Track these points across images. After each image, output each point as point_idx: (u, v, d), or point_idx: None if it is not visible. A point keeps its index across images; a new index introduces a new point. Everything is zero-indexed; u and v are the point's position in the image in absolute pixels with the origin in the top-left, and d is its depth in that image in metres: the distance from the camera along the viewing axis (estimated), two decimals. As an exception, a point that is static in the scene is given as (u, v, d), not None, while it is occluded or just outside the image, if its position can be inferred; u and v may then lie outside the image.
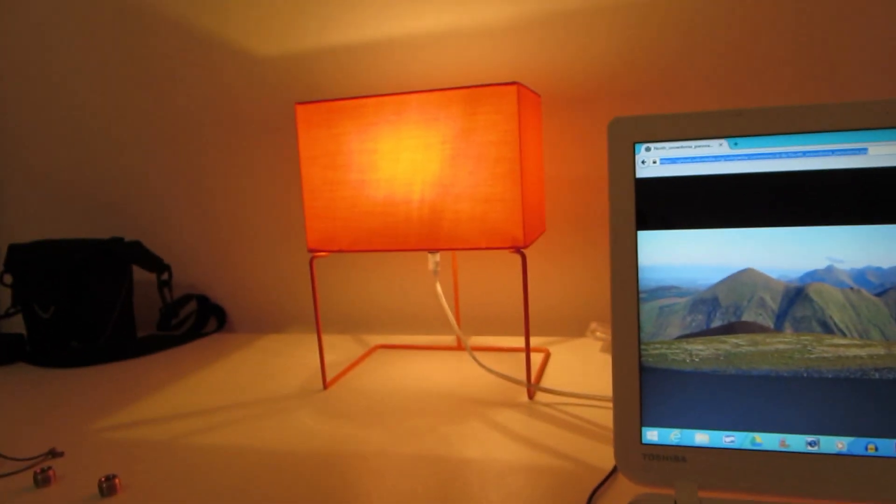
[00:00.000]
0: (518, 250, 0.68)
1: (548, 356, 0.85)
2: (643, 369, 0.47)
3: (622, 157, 0.48)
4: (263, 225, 1.09)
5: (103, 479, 0.55)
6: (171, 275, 1.10)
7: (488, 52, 0.92)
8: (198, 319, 1.14)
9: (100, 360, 1.00)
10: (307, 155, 0.74)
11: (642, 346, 0.47)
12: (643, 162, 0.47)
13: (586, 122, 0.90)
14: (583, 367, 0.80)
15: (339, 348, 0.97)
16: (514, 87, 0.66)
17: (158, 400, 0.79)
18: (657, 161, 0.47)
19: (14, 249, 1.09)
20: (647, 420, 0.47)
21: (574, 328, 0.95)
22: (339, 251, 0.74)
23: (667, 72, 0.86)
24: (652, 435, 0.47)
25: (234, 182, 1.10)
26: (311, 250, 0.75)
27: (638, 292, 0.47)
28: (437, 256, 0.80)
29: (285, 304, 1.10)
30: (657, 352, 0.47)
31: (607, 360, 0.82)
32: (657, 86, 0.87)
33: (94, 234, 1.21)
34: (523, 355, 0.87)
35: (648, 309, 0.47)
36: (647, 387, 0.47)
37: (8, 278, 1.27)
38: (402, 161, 0.71)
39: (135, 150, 1.15)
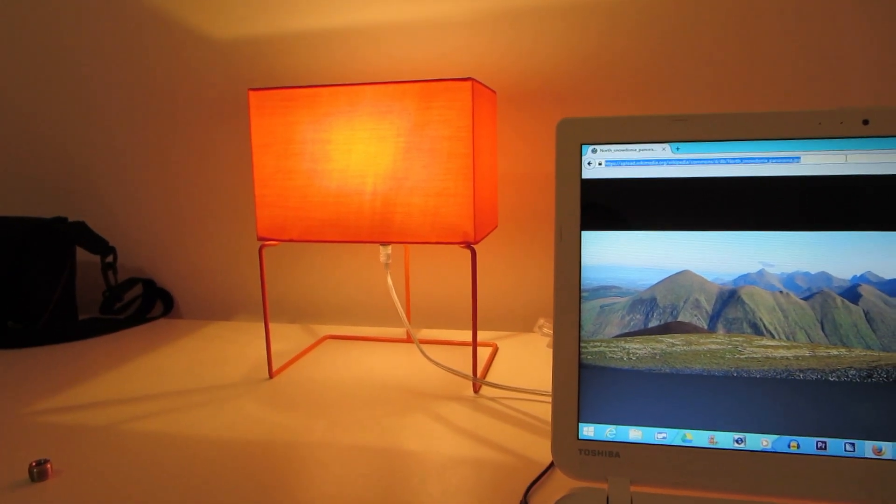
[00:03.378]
0: (468, 246, 0.69)
1: (496, 350, 0.86)
2: (582, 366, 0.48)
3: (569, 158, 0.49)
4: (214, 210, 1.07)
5: (34, 464, 0.54)
6: (115, 257, 1.08)
7: (447, 45, 0.92)
8: (143, 304, 1.11)
9: (37, 342, 0.97)
10: (259, 142, 0.73)
11: (582, 344, 0.48)
12: (589, 163, 0.48)
13: (540, 119, 0.91)
14: (529, 362, 0.82)
15: (288, 338, 0.96)
16: (468, 83, 0.66)
17: (97, 384, 0.77)
18: (602, 163, 0.48)
19: (-51, 226, 1.05)
20: (584, 416, 0.48)
21: (523, 324, 0.96)
22: (290, 241, 0.73)
23: (618, 73, 0.88)
24: (588, 431, 0.48)
25: (185, 166, 1.07)
26: (260, 239, 0.74)
27: (580, 291, 0.48)
28: (389, 249, 0.80)
29: (234, 291, 1.09)
30: (596, 350, 0.48)
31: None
32: (608, 87, 0.88)
33: (36, 213, 1.17)
34: (470, 349, 0.88)
35: (589, 308, 0.48)
36: (585, 384, 0.48)
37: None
38: (356, 152, 0.70)
39: (82, 128, 1.12)
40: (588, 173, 0.48)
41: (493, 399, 0.70)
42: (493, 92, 0.82)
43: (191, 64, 1.04)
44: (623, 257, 0.47)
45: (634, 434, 0.47)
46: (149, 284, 1.12)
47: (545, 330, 0.85)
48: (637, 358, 0.47)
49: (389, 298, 1.01)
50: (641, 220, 0.47)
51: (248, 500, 0.50)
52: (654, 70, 0.87)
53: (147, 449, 0.60)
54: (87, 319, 1.06)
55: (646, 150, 0.48)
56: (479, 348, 0.88)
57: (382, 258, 0.80)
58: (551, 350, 0.84)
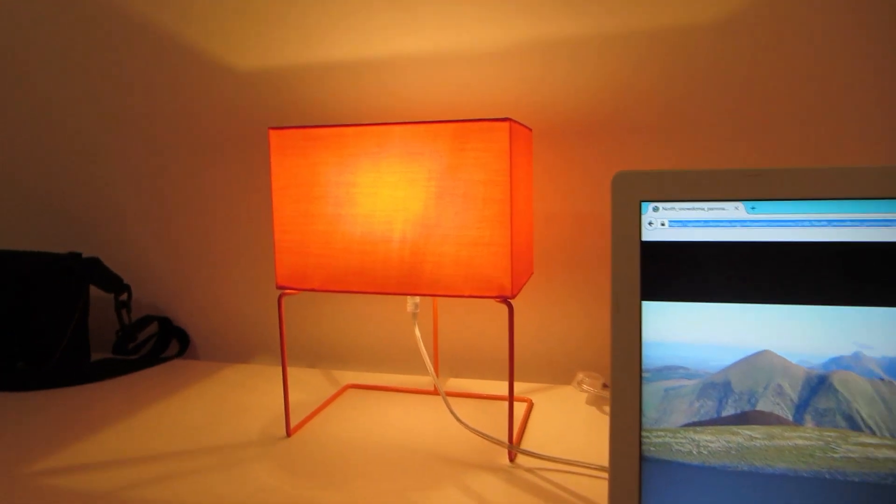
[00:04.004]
0: (505, 300, 0.63)
1: (531, 407, 0.80)
2: (643, 459, 0.42)
3: (627, 217, 0.43)
4: (233, 249, 1.03)
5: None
6: (130, 296, 1.03)
7: (478, 78, 0.87)
8: (158, 342, 1.07)
9: (47, 384, 0.92)
10: (280, 184, 0.68)
11: (643, 433, 0.42)
12: (650, 223, 0.42)
13: (578, 156, 0.85)
14: (568, 422, 0.75)
15: (308, 385, 0.91)
16: (506, 124, 0.61)
17: (104, 439, 0.72)
18: (665, 223, 0.42)
19: (-38, 260, 1.02)
20: (645, 515, 0.42)
21: (559, 375, 0.89)
22: (311, 290, 0.68)
23: (668, 110, 0.82)
24: (650, 533, 0.41)
25: (205, 202, 1.03)
26: (279, 287, 0.69)
27: (641, 371, 0.42)
28: (417, 298, 0.75)
29: (252, 332, 1.04)
30: (660, 440, 0.41)
31: (593, 413, 0.77)
32: (657, 125, 0.82)
33: (51, 246, 1.14)
34: (505, 404, 0.81)
35: (652, 391, 0.41)
36: (647, 480, 0.41)
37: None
38: (383, 197, 0.65)
39: (102, 161, 1.08)
40: (649, 235, 0.42)
41: (531, 470, 0.64)
42: (529, 130, 0.76)
43: (212, 95, 1.00)
44: (691, 333, 0.41)
45: (705, 540, 0.41)
46: (164, 323, 1.07)
47: (584, 386, 0.79)
48: (709, 452, 0.40)
49: (414, 345, 0.95)
50: (712, 291, 0.41)
51: None
52: (703, 110, 0.81)
53: (150, 526, 0.54)
54: (99, 360, 1.02)
55: (716, 208, 0.42)
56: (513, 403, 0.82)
57: (410, 307, 0.75)
58: (591, 407, 0.77)
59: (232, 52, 0.98)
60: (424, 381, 0.92)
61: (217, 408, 0.82)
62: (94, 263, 1.03)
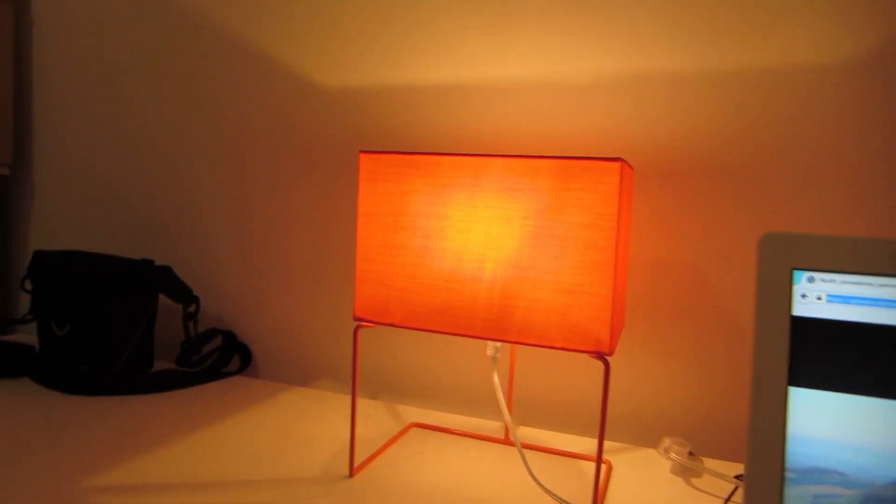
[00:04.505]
0: (601, 357, 0.57)
1: (610, 469, 0.74)
2: (780, 572, 0.35)
3: (775, 286, 0.37)
4: (309, 271, 1.00)
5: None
6: (198, 308, 1.02)
7: (573, 108, 0.83)
8: (220, 357, 1.05)
9: (109, 391, 0.91)
10: (366, 210, 0.65)
11: (782, 542, 0.35)
12: (803, 296, 0.37)
13: (681, 198, 0.79)
14: (652, 493, 0.68)
15: (370, 419, 0.87)
16: (617, 165, 0.56)
17: (161, 459, 0.69)
18: (823, 297, 0.36)
19: (39, 256, 1.03)
20: None
21: (641, 436, 0.83)
22: (390, 325, 0.64)
23: (785, 151, 0.75)
24: None
25: (285, 220, 1.01)
26: (357, 319, 0.65)
27: (784, 471, 0.36)
28: (499, 343, 0.70)
29: (316, 356, 1.00)
30: (802, 553, 0.35)
31: (679, 485, 0.70)
32: (774, 166, 0.76)
33: (124, 250, 1.14)
34: (581, 463, 0.75)
35: (797, 496, 0.35)
36: None
37: (28, 284, 1.21)
38: (475, 232, 0.61)
39: (181, 170, 1.08)
40: (802, 309, 0.36)
41: (615, 546, 0.58)
42: (632, 169, 0.71)
43: (301, 113, 0.98)
44: (849, 431, 0.35)
45: None
46: (228, 337, 1.06)
47: (672, 455, 0.72)
48: (864, 576, 0.34)
49: (485, 385, 0.90)
50: (878, 384, 0.35)
51: None
52: (820, 158, 0.74)
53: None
54: (162, 371, 1.00)
55: (888, 285, 0.36)
56: (587, 462, 0.76)
57: (490, 351, 0.70)
58: (676, 477, 0.70)
59: (323, 72, 0.96)
60: (492, 426, 0.87)
61: (278, 435, 0.79)
62: (166, 272, 1.02)
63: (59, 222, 1.19)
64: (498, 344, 0.70)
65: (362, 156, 0.65)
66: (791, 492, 0.35)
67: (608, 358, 0.63)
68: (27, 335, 1.20)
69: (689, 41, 0.77)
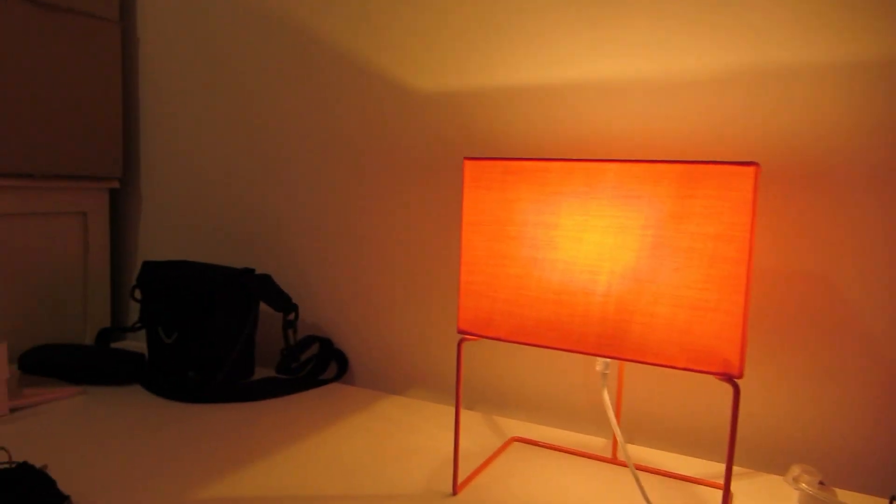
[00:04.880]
0: (730, 379, 0.53)
1: (731, 498, 0.68)
2: None
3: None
4: (408, 279, 0.99)
5: None
6: (297, 315, 1.03)
7: (692, 108, 0.77)
8: (318, 364, 1.05)
9: (213, 398, 0.93)
10: (471, 219, 0.62)
11: None
12: None
13: (813, 203, 0.73)
14: (780, 523, 0.63)
15: (468, 431, 0.84)
16: (751, 170, 0.51)
17: (263, 471, 0.69)
18: None
19: (148, 266, 1.06)
20: None
21: (765, 462, 0.76)
22: (496, 339, 0.61)
23: (929, 158, 0.68)
24: None
25: (385, 226, 1.01)
26: (461, 332, 0.63)
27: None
28: (608, 355, 0.66)
29: (413, 365, 0.99)
30: None
31: (811, 516, 0.64)
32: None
33: (227, 259, 1.17)
34: (697, 488, 0.70)
35: None
36: None
37: (138, 294, 1.26)
38: (588, 243, 0.57)
39: (282, 179, 1.10)
40: None
41: (746, 586, 0.53)
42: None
43: (399, 122, 0.98)
44: None
45: None
46: (326, 344, 1.06)
47: (801, 484, 0.66)
48: None
49: (588, 399, 0.86)
50: None
51: None
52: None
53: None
54: (262, 379, 1.02)
55: None
56: (702, 488, 0.70)
57: (599, 367, 0.66)
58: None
59: (424, 77, 0.95)
60: (596, 443, 0.82)
61: (376, 446, 0.78)
62: (266, 280, 1.03)
63: (166, 233, 1.24)
64: (608, 360, 0.66)
65: (467, 163, 0.63)
66: None
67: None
68: (137, 342, 1.25)
69: (822, 30, 0.71)
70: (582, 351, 0.58)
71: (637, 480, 0.63)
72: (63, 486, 0.64)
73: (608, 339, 0.57)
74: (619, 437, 0.66)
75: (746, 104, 0.75)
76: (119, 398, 0.91)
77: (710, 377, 0.78)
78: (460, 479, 0.69)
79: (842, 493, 0.70)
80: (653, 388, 0.82)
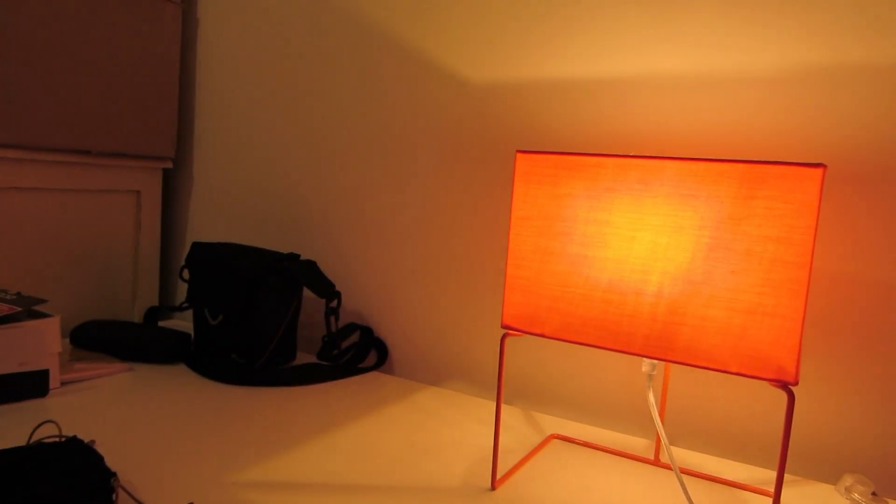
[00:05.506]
0: (785, 387, 0.51)
1: (778, 507, 0.66)
2: None
3: None
4: (452, 270, 0.99)
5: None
6: (339, 302, 1.04)
7: (754, 105, 0.75)
8: (358, 351, 1.06)
9: (255, 381, 0.94)
10: (520, 214, 0.61)
11: None
12: None
13: (875, 205, 0.70)
14: (829, 537, 0.61)
15: (507, 426, 0.84)
16: (818, 171, 0.49)
17: (300, 457, 0.70)
18: None
19: (197, 247, 1.08)
20: None
21: (816, 470, 0.74)
22: (541, 335, 0.60)
23: None
24: None
25: (431, 217, 1.00)
26: (505, 327, 0.62)
27: None
28: (655, 356, 0.65)
29: (453, 357, 0.99)
30: None
31: (863, 532, 0.62)
32: None
33: (274, 242, 1.18)
34: (744, 494, 0.68)
35: None
36: None
37: (186, 274, 1.28)
38: (641, 241, 0.56)
39: (332, 165, 1.10)
40: None
41: None
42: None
43: (450, 110, 0.97)
44: None
45: None
46: (366, 332, 1.07)
47: (854, 496, 0.63)
48: None
49: (630, 397, 0.85)
50: None
51: None
52: None
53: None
54: (303, 365, 1.03)
55: None
56: (750, 495, 0.69)
57: (646, 367, 0.65)
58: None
59: (476, 67, 0.94)
60: (637, 444, 0.81)
61: (415, 437, 0.78)
62: (310, 266, 1.04)
63: (215, 214, 1.25)
64: (655, 360, 0.65)
65: (519, 156, 0.62)
66: None
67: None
68: (184, 321, 1.28)
69: (891, 29, 0.68)
70: (629, 351, 0.56)
71: (680, 481, 0.62)
72: (109, 461, 0.65)
73: (656, 341, 0.55)
74: (664, 438, 0.65)
75: (813, 104, 0.72)
76: (165, 376, 0.93)
77: (760, 382, 0.76)
78: (499, 475, 0.69)
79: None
80: (699, 391, 0.80)
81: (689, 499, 0.61)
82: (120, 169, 1.16)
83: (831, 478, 0.73)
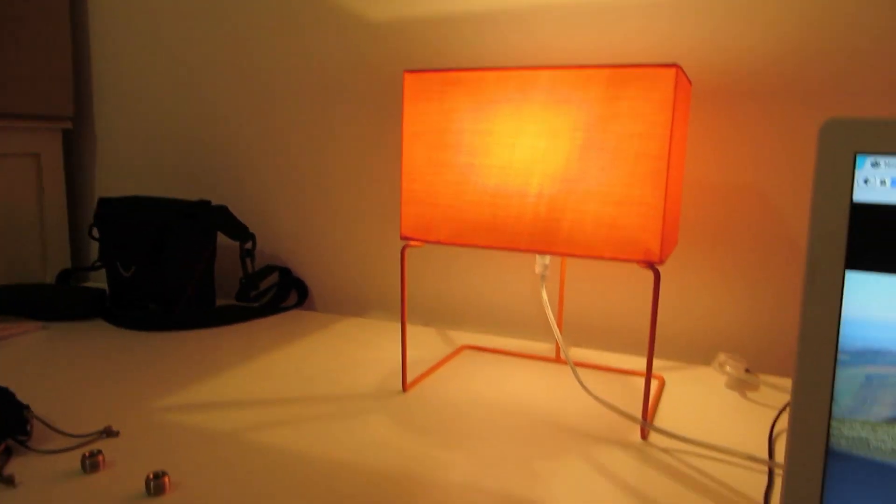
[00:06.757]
0: (651, 266, 0.57)
1: (662, 385, 0.74)
2: (831, 454, 0.35)
3: (836, 172, 0.36)
4: (356, 201, 1.02)
5: (151, 477, 0.49)
6: (255, 244, 1.05)
7: (632, 26, 0.80)
8: (278, 292, 1.08)
9: (176, 326, 0.95)
10: (411, 130, 0.65)
11: (834, 424, 0.35)
12: (866, 181, 0.35)
13: (743, 118, 0.77)
14: (703, 405, 0.69)
15: (422, 344, 0.89)
16: (672, 71, 0.54)
17: (226, 381, 0.73)
18: (887, 182, 0.35)
19: (104, 203, 1.07)
20: (828, 520, 0.35)
21: (695, 356, 0.82)
22: (437, 243, 0.65)
23: (870, 70, 0.72)
24: (833, 541, 0.35)
25: (329, 153, 1.02)
26: (404, 238, 0.66)
27: (837, 352, 0.35)
28: (547, 259, 0.70)
29: (370, 286, 1.03)
30: (855, 435, 0.35)
31: (734, 398, 0.70)
32: (858, 85, 0.72)
33: (183, 193, 1.18)
34: (632, 379, 0.76)
35: (849, 376, 0.35)
36: (833, 477, 0.35)
37: (96, 232, 1.26)
38: (521, 147, 0.60)
39: (231, 113, 1.10)
40: (863, 194, 0.35)
41: (666, 450, 0.58)
42: (690, 83, 0.69)
43: (340, 47, 0.98)
44: (908, 312, 0.34)
45: (906, 558, 0.34)
46: (285, 273, 1.09)
47: (727, 368, 0.72)
48: (921, 455, 0.34)
49: (536, 308, 0.91)
50: (940, 263, 0.34)
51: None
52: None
53: (269, 464, 0.53)
54: (223, 307, 1.04)
55: (952, 164, 0.34)
56: (640, 378, 0.76)
57: (538, 269, 0.70)
58: (731, 391, 0.70)
59: (363, 2, 0.95)
60: (544, 348, 0.88)
61: (334, 360, 0.82)
62: (222, 211, 1.05)
63: (122, 171, 1.23)
64: (546, 261, 0.70)
65: (407, 75, 0.65)
66: (843, 373, 0.35)
67: (659, 269, 0.62)
68: (100, 282, 1.26)
69: (744, -56, 0.74)
70: (517, 248, 0.61)
71: (572, 368, 0.68)
72: (24, 402, 0.66)
73: (540, 236, 0.60)
74: (557, 333, 0.71)
75: (681, 18, 0.77)
76: (81, 331, 0.93)
77: (650, 281, 0.83)
78: (410, 380, 0.74)
79: (766, 378, 0.77)
80: (594, 294, 0.87)
81: (579, 381, 0.68)
82: (17, 131, 1.12)
83: (710, 361, 0.81)
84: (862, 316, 0.35)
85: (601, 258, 0.58)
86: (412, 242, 0.67)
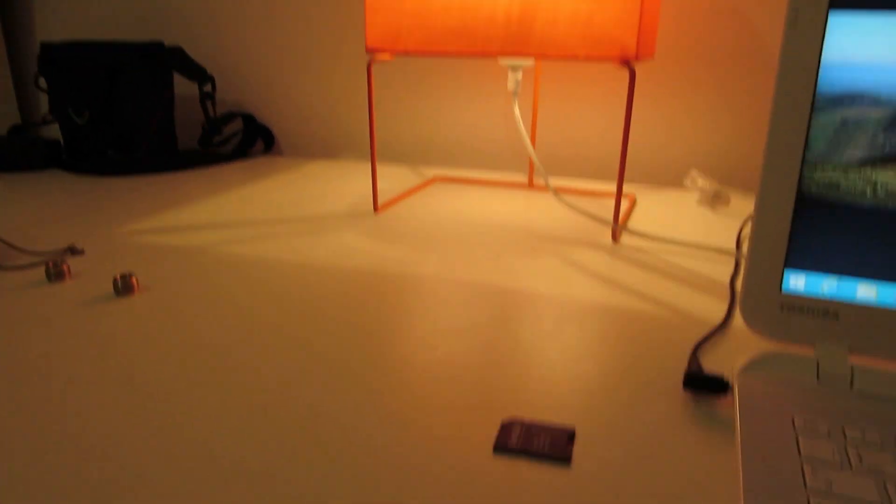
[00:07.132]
0: (627, 63, 0.56)
1: (633, 202, 0.75)
2: (802, 198, 0.36)
3: None
4: (317, 34, 0.97)
5: (118, 277, 0.49)
6: (214, 87, 1.00)
7: None
8: (244, 139, 1.05)
9: (137, 170, 0.93)
10: (375, -73, 0.60)
11: (806, 168, 0.36)
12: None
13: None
14: (674, 217, 0.70)
15: (394, 178, 0.88)
16: None
17: (195, 210, 0.72)
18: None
19: (47, 48, 1.00)
20: (793, 262, 0.37)
21: (666, 176, 0.83)
22: (405, 53, 0.62)
23: None
24: (797, 282, 0.37)
25: (286, -17, 0.96)
26: (369, 50, 0.63)
27: (814, 97, 0.35)
28: (519, 75, 0.68)
29: (338, 128, 1.00)
30: (827, 178, 0.35)
31: (705, 212, 0.72)
32: None
33: (132, 36, 1.11)
34: (604, 200, 0.77)
35: (824, 122, 0.35)
36: (802, 221, 0.36)
37: (43, 82, 1.19)
38: (492, -62, 0.57)
39: (176, -60, 1.02)
40: (848, -75, 0.34)
41: (637, 249, 0.60)
42: None
43: None
44: (888, 52, 0.34)
45: (865, 292, 0.36)
46: (249, 120, 1.05)
47: (698, 182, 0.72)
48: (888, 194, 0.34)
49: (507, 140, 0.90)
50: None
51: (352, 327, 0.43)
52: None
53: (240, 270, 0.53)
54: (187, 151, 1.01)
55: None
56: (611, 199, 0.77)
57: (511, 85, 0.68)
58: (702, 208, 0.72)
59: None
60: (517, 178, 0.87)
61: (303, 191, 0.80)
62: (177, 52, 0.99)
63: (65, 13, 1.15)
64: (519, 77, 0.68)
65: None
66: (819, 119, 0.35)
67: (634, 68, 0.60)
68: (55, 134, 1.21)
69: None
70: (489, 53, 0.59)
71: (545, 178, 0.68)
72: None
73: (513, 39, 0.58)
74: (528, 145, 0.70)
75: None
76: (39, 180, 0.90)
77: (623, 103, 0.82)
78: (381, 204, 0.73)
79: (737, 194, 0.78)
80: (566, 123, 0.86)
81: (555, 193, 0.68)
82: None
83: (682, 183, 0.82)
84: (843, 59, 0.34)
85: (576, 58, 0.57)
86: (379, 55, 0.64)
